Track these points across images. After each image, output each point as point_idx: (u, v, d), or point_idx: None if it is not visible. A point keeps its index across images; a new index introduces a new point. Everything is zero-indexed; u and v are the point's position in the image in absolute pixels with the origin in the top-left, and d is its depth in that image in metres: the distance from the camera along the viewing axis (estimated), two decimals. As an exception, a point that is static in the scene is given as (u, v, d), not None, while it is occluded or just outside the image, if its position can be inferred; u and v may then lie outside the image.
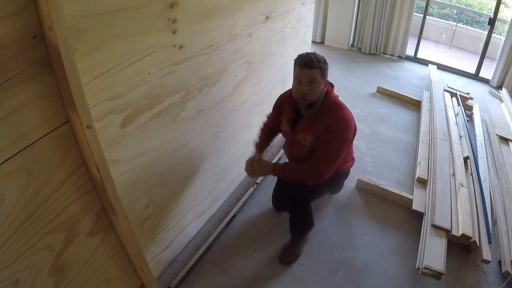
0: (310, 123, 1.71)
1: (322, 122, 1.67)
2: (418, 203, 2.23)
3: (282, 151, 2.56)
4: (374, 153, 2.81)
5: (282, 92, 1.96)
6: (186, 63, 1.45)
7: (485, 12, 6.63)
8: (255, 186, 2.33)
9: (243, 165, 2.31)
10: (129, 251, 1.34)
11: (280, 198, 2.13)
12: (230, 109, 1.96)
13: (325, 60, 1.63)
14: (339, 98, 1.77)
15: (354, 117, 1.75)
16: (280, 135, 2.01)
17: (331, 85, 1.77)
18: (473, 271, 1.92)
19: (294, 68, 1.65)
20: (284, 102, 1.86)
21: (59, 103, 0.94)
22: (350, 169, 2.08)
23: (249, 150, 2.34)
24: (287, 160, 2.00)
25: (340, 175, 2.01)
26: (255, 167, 1.84)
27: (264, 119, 2.07)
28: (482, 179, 2.45)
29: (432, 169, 2.44)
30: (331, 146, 1.66)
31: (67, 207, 1.07)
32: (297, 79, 1.64)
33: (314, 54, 1.63)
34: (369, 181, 2.41)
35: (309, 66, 1.57)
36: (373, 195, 2.38)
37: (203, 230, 2.05)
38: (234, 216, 2.13)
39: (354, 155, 2.09)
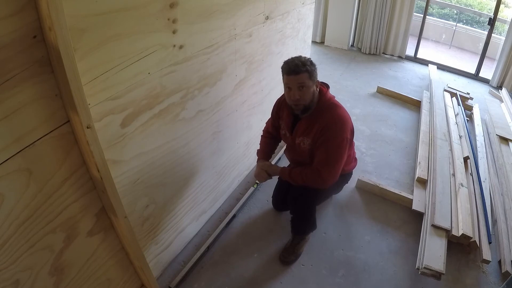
0: (307, 126, 1.70)
1: (318, 123, 1.66)
2: (418, 203, 2.23)
3: (282, 151, 2.55)
4: (374, 153, 2.81)
5: (281, 93, 1.95)
6: (186, 63, 1.46)
7: (485, 12, 6.63)
8: (255, 186, 2.33)
9: (243, 165, 2.32)
10: (129, 251, 1.34)
11: (281, 198, 2.12)
12: (230, 109, 1.96)
13: (311, 62, 1.61)
14: (335, 98, 1.75)
15: (353, 117, 1.74)
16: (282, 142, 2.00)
17: (326, 86, 1.76)
18: (473, 271, 1.92)
19: (283, 76, 1.63)
20: (282, 106, 1.85)
21: (59, 103, 0.94)
22: (353, 170, 2.07)
23: (249, 150, 2.34)
24: (287, 161, 1.99)
25: (344, 177, 1.99)
26: (264, 167, 1.84)
27: (264, 122, 2.06)
28: (482, 179, 2.45)
29: (432, 169, 2.44)
30: (330, 148, 1.64)
31: (67, 207, 1.07)
32: (286, 86, 1.63)
33: (298, 58, 1.60)
34: (369, 181, 2.41)
35: (295, 71, 1.56)
36: (373, 195, 2.38)
37: (203, 230, 2.05)
38: (234, 216, 2.13)
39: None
